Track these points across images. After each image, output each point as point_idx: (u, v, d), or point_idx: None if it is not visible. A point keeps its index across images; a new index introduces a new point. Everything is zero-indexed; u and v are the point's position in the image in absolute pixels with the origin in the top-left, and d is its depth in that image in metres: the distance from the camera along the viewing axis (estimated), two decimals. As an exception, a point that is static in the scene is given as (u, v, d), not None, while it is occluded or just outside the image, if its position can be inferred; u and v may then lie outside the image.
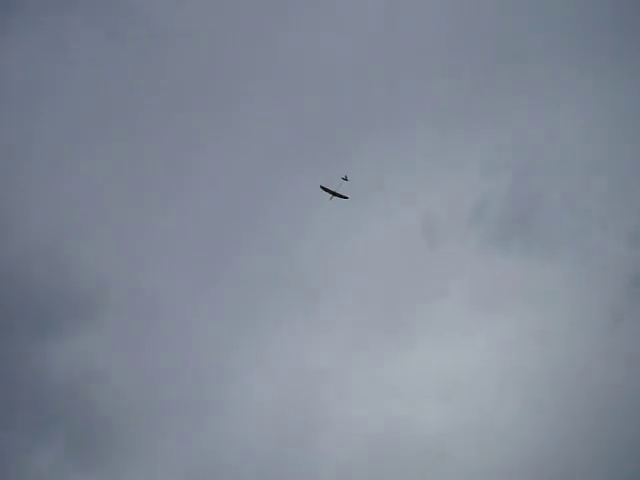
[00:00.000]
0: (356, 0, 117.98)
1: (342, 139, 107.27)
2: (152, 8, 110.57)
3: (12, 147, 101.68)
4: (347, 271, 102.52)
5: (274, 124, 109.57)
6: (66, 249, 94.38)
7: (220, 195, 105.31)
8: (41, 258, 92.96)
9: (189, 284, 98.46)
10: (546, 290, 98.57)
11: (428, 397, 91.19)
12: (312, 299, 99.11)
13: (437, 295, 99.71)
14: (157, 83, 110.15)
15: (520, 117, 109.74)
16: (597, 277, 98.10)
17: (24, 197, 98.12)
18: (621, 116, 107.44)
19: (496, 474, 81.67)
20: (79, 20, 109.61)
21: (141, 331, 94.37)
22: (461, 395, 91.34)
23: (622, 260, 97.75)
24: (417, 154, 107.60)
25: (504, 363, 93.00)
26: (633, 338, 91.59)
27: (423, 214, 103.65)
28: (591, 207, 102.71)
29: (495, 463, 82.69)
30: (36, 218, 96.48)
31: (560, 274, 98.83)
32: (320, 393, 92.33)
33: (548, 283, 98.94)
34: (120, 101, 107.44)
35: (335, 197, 76.25)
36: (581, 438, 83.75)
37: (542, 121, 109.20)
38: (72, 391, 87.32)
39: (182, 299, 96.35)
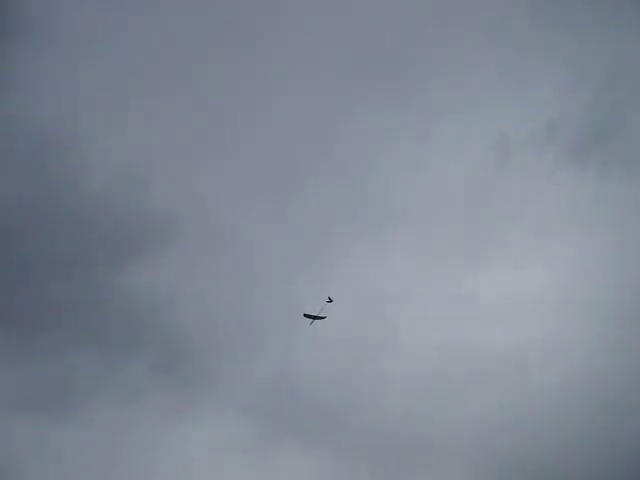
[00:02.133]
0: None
1: (421, 60, 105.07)
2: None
3: (93, 81, 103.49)
4: (419, 194, 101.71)
5: (348, 47, 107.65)
6: (143, 181, 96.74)
7: (293, 120, 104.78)
8: (120, 190, 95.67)
9: (261, 209, 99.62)
10: (623, 212, 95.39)
11: (499, 316, 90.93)
12: (383, 222, 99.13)
13: (510, 216, 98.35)
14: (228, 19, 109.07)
15: (600, 33, 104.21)
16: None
17: (101, 130, 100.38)
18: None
19: (562, 390, 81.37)
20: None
21: (216, 255, 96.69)
22: (533, 314, 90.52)
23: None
24: (492, 71, 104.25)
25: (577, 285, 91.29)
26: None
27: (497, 134, 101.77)
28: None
29: (561, 380, 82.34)
30: (114, 151, 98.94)
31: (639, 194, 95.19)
32: (391, 314, 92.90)
33: (625, 204, 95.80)
34: (189, 38, 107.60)
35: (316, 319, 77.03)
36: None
37: (621, 36, 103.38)
38: (155, 312, 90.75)
39: (254, 224, 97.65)
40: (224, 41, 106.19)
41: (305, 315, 74.79)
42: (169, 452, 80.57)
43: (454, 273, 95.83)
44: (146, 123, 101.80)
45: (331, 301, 71.39)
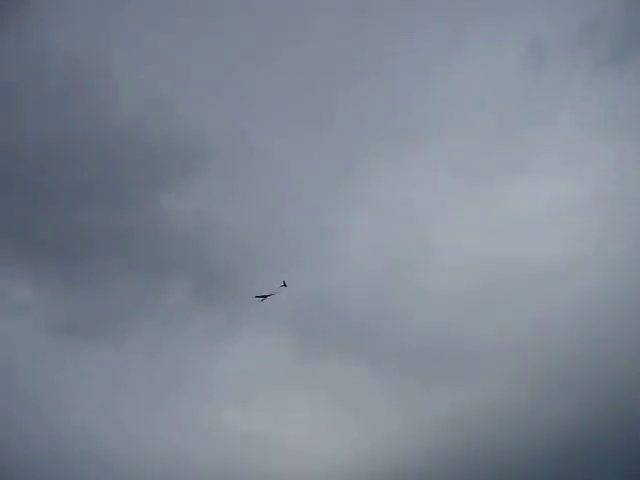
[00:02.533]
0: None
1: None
2: None
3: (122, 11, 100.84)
4: (451, 104, 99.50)
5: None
6: (173, 107, 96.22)
7: (325, 39, 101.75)
8: (152, 116, 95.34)
9: (292, 129, 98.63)
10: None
11: (532, 225, 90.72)
12: (415, 136, 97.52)
13: (544, 123, 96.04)
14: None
15: None
16: None
17: (132, 60, 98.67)
18: None
19: (593, 298, 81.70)
20: None
21: (249, 176, 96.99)
22: (569, 222, 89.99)
23: None
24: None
25: (612, 192, 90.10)
26: None
27: (531, 37, 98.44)
28: None
29: (593, 287, 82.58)
30: (144, 81, 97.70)
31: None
32: (424, 229, 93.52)
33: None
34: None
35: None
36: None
37: None
38: (193, 236, 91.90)
39: (286, 144, 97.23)
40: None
41: (256, 297, 75.54)
42: (214, 370, 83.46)
43: (487, 184, 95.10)
44: (176, 50, 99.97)
45: (285, 286, 72.69)
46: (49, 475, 70.41)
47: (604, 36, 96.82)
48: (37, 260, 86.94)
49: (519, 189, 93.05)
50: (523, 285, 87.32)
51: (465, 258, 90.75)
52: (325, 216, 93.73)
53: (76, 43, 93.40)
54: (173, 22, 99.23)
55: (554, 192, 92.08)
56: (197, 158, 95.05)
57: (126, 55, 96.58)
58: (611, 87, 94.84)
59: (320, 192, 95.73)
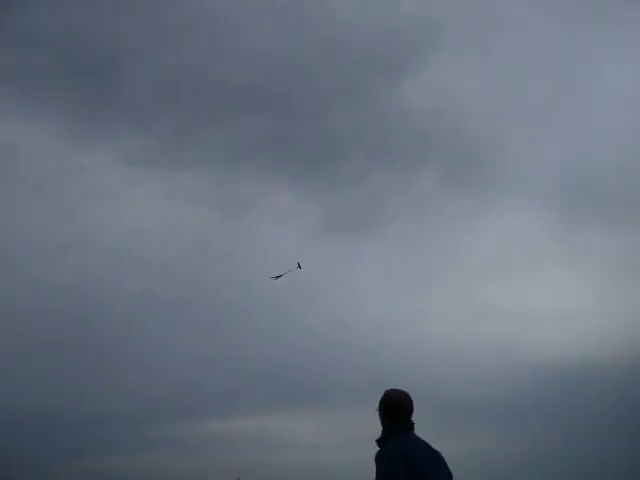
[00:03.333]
0: None
1: None
2: None
3: None
4: None
5: None
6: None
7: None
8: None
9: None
10: None
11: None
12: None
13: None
14: None
15: None
16: None
17: None
18: None
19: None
20: None
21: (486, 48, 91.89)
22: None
23: None
24: None
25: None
26: None
27: None
28: None
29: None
30: None
31: None
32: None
33: None
34: None
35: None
36: None
37: None
38: (439, 120, 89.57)
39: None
40: None
41: (271, 277, 70.17)
42: (471, 249, 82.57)
43: None
44: None
45: (300, 268, 66.66)
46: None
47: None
48: (295, 166, 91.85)
49: None
50: None
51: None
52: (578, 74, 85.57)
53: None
54: None
55: None
56: (432, 37, 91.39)
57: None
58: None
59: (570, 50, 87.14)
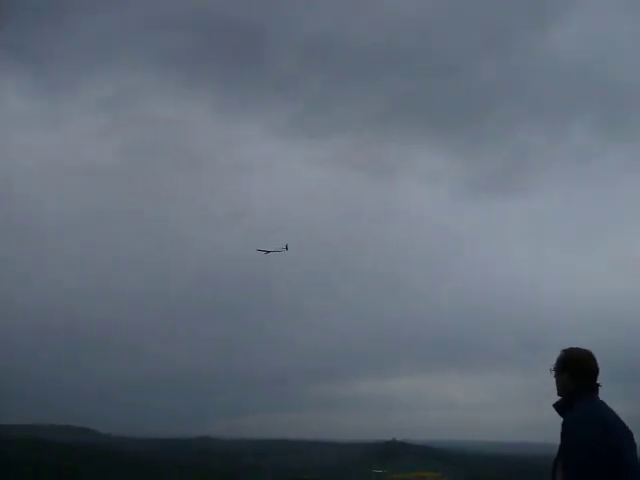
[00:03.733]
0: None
1: None
2: None
3: None
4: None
5: None
6: None
7: None
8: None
9: None
10: None
11: None
12: None
13: None
14: None
15: None
16: None
17: None
18: None
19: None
20: None
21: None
22: None
23: None
24: None
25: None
26: None
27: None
28: None
29: None
30: None
31: None
32: None
33: None
34: None
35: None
36: None
37: None
38: (586, 71, 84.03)
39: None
40: None
41: (258, 250, 75.37)
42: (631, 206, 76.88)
43: None
44: None
45: (287, 249, 72.67)
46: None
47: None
48: (437, 125, 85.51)
49: None
50: None
51: None
52: None
53: None
54: None
55: None
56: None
57: None
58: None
59: None
